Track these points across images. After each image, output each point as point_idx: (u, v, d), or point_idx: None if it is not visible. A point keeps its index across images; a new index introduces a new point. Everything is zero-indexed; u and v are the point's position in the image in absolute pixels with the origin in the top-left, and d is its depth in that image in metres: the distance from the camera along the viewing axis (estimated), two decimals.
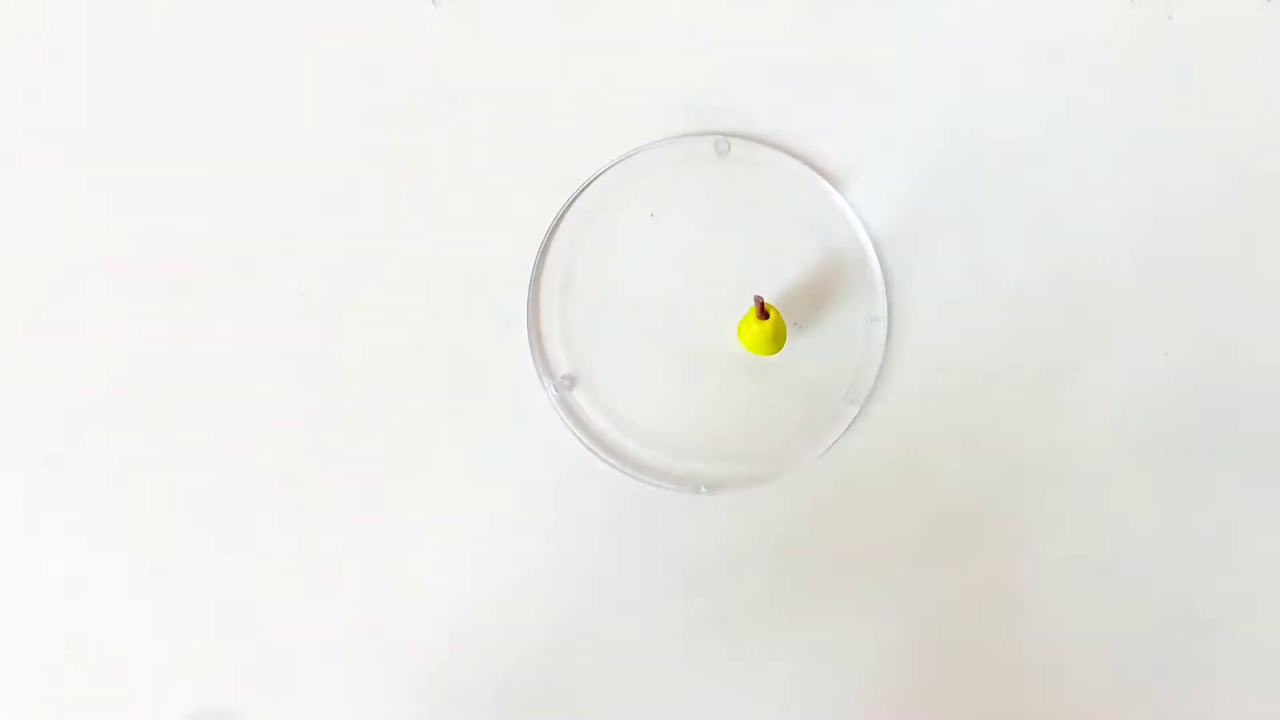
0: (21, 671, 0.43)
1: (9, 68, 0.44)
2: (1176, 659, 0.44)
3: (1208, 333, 0.44)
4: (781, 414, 0.44)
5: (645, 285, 0.44)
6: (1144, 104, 0.45)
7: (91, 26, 0.44)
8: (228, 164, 0.44)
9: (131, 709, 0.43)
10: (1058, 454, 0.44)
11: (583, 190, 0.44)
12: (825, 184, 0.44)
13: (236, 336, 0.43)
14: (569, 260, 0.44)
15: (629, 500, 0.43)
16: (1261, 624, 0.44)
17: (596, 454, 0.43)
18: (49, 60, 0.44)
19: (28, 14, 0.44)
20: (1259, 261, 0.44)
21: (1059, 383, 0.44)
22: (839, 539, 0.44)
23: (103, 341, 0.43)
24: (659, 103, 0.44)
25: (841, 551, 0.44)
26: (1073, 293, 0.44)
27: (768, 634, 0.43)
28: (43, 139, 0.44)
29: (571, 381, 0.44)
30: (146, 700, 0.43)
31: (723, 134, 0.44)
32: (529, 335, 0.44)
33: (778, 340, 0.41)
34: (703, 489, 0.43)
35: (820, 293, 0.44)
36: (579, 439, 0.43)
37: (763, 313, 0.40)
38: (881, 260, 0.44)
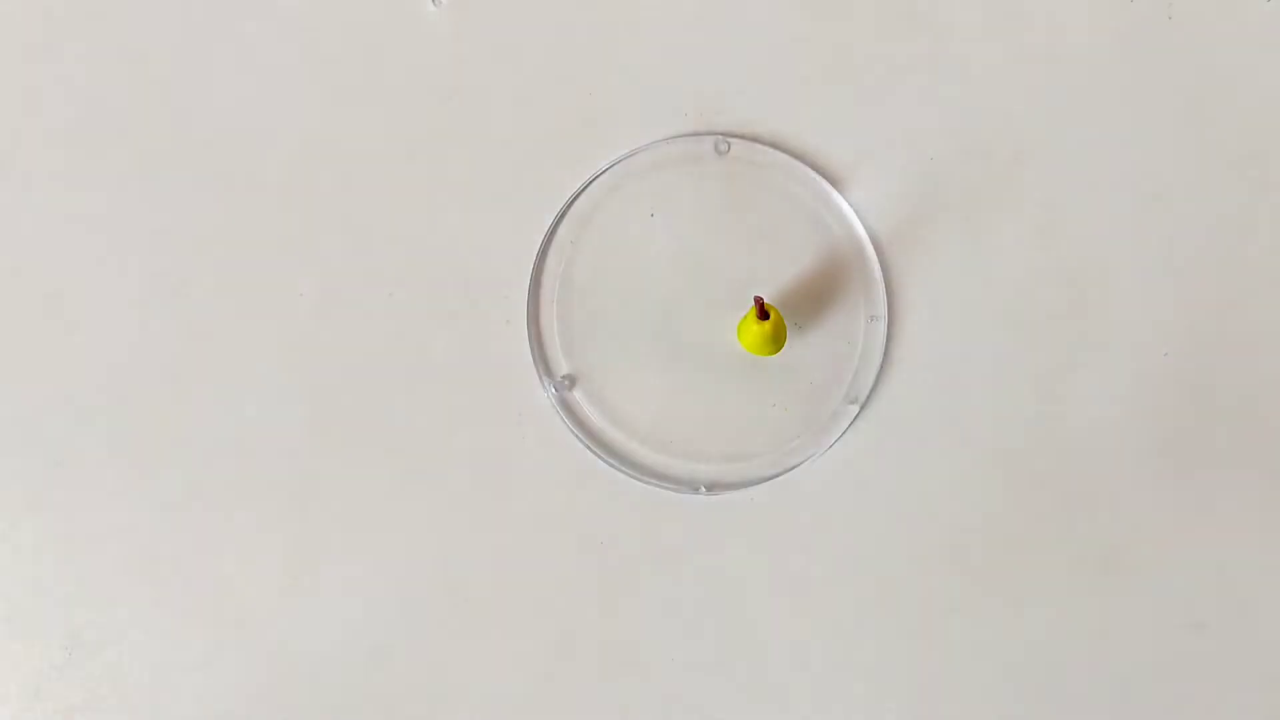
0: (21, 671, 0.43)
1: (9, 68, 0.44)
2: (1176, 659, 0.44)
3: (1208, 333, 0.44)
4: (781, 414, 0.44)
5: (645, 285, 0.44)
6: (1144, 103, 0.45)
7: (91, 26, 0.44)
8: (228, 164, 0.44)
9: (131, 709, 0.43)
10: (1058, 454, 0.44)
11: (583, 190, 0.44)
12: (825, 184, 0.44)
13: (236, 336, 0.44)
14: (569, 260, 0.44)
15: (629, 500, 0.43)
16: (1262, 624, 0.44)
17: (596, 454, 0.43)
18: (49, 60, 0.44)
19: (28, 14, 0.44)
20: (1259, 261, 0.44)
21: (1059, 383, 0.44)
22: (839, 539, 0.44)
23: (103, 341, 0.43)
24: (659, 103, 0.44)
25: (841, 552, 0.44)
26: (1073, 293, 0.44)
27: (768, 634, 0.43)
28: (42, 138, 0.44)
29: (571, 381, 0.44)
30: (146, 700, 0.43)
31: (723, 134, 0.44)
32: (529, 335, 0.44)
33: (778, 340, 0.41)
34: (703, 489, 0.43)
35: (820, 293, 0.44)
36: (579, 439, 0.43)
37: (763, 313, 0.40)
38: (881, 260, 0.44)
